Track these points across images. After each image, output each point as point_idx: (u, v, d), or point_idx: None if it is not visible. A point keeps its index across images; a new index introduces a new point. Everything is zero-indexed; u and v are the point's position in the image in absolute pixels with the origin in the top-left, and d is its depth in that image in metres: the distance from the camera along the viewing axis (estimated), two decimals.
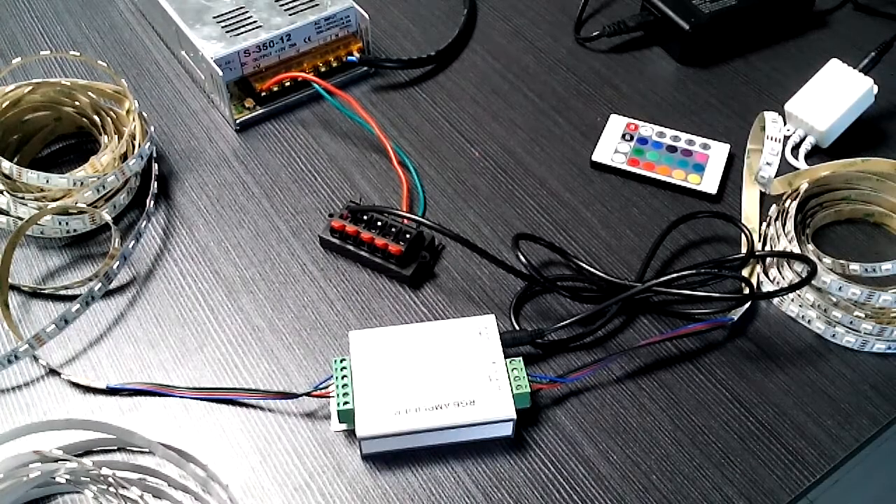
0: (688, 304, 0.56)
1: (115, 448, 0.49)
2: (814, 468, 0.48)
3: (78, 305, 0.53)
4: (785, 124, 0.66)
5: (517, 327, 0.55)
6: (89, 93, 0.63)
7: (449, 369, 0.49)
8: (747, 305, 0.55)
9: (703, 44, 0.72)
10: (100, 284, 0.54)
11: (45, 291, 0.57)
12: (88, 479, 0.46)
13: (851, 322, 0.53)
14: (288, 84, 0.67)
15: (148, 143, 0.61)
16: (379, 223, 0.57)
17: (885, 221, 0.60)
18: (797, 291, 0.54)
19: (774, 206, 0.60)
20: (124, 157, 0.61)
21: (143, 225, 0.58)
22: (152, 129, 0.63)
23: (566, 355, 0.53)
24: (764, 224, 0.60)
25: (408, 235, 0.57)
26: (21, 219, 0.57)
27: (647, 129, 0.66)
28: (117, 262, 0.55)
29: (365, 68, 0.71)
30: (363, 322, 0.55)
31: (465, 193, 0.63)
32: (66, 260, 0.59)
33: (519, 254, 0.55)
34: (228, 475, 0.48)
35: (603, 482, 0.48)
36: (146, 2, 0.74)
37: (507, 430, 0.49)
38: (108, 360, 0.53)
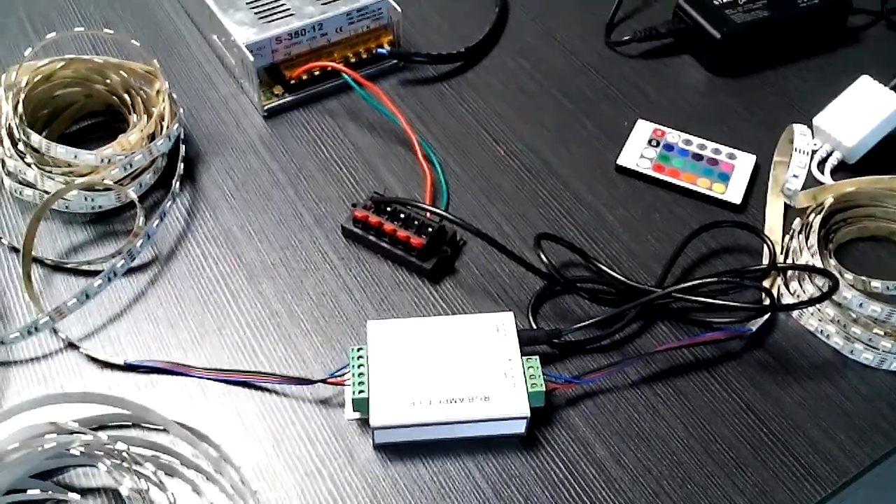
0: (706, 313, 0.56)
1: (130, 424, 0.50)
2: (825, 483, 0.48)
3: (100, 281, 0.53)
4: (812, 138, 0.65)
5: (535, 326, 0.55)
6: (121, 71, 0.63)
7: (465, 364, 0.49)
8: (766, 317, 0.55)
9: (733, 53, 0.71)
10: (122, 261, 0.54)
11: (68, 266, 0.57)
12: (102, 453, 0.46)
13: (870, 339, 0.53)
14: (317, 73, 0.68)
15: (176, 125, 0.61)
16: (402, 215, 0.57)
17: None
18: (817, 305, 0.54)
19: (798, 219, 0.59)
20: (152, 137, 0.61)
21: (167, 205, 0.59)
22: (181, 110, 0.63)
23: (582, 357, 0.53)
24: (787, 237, 0.59)
25: (430, 229, 0.57)
26: (47, 193, 0.57)
27: (674, 136, 0.66)
28: (141, 241, 0.56)
29: (394, 61, 0.71)
30: (381, 313, 0.55)
31: (488, 191, 0.63)
32: (90, 236, 0.59)
33: (540, 253, 0.55)
34: (241, 457, 0.48)
35: (613, 485, 0.48)
36: None
37: (520, 427, 0.49)
38: (126, 337, 0.54)
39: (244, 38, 0.65)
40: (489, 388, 0.48)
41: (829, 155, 0.65)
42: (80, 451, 0.46)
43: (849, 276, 0.55)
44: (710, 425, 0.51)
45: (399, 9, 0.69)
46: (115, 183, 0.58)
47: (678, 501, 0.47)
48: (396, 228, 0.57)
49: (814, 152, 0.65)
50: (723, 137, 0.66)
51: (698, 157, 0.64)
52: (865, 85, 0.65)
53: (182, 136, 0.63)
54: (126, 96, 0.63)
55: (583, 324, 0.53)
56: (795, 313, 0.56)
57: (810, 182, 0.64)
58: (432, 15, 0.77)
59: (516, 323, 0.52)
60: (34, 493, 0.45)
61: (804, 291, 0.56)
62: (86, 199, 0.58)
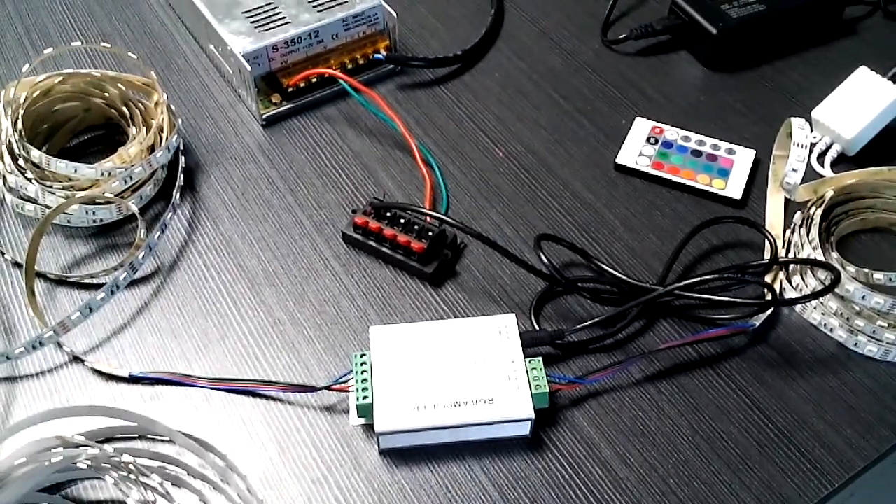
0: (709, 309, 0.55)
1: (136, 436, 0.50)
2: (832, 477, 0.48)
3: (103, 294, 0.53)
4: (811, 131, 0.65)
5: (537, 327, 0.55)
6: (119, 84, 0.64)
7: (468, 367, 0.49)
8: (769, 312, 0.55)
9: (730, 49, 0.71)
10: (125, 274, 0.55)
11: (71, 279, 0.57)
12: (109, 466, 0.46)
13: (874, 331, 0.53)
14: (314, 80, 0.68)
15: (175, 136, 0.62)
16: (402, 220, 0.57)
17: None
18: (820, 299, 0.54)
19: (799, 212, 0.59)
20: (152, 149, 0.61)
21: (168, 216, 0.59)
22: (180, 121, 0.63)
23: (586, 357, 0.53)
24: (788, 231, 0.59)
25: (430, 233, 0.57)
26: (49, 207, 0.58)
27: (673, 133, 0.66)
28: (142, 253, 0.56)
29: (391, 66, 0.71)
30: (384, 318, 0.55)
31: (488, 193, 0.63)
32: (92, 249, 0.59)
33: (541, 254, 0.55)
34: (247, 466, 0.49)
35: (620, 485, 0.48)
36: None
37: (524, 429, 0.49)
38: (131, 349, 0.54)
39: (241, 48, 0.65)
40: (493, 390, 0.48)
41: (829, 147, 0.65)
42: (87, 465, 0.46)
43: (851, 268, 0.55)
44: (715, 422, 0.50)
45: (395, 14, 0.69)
46: (116, 196, 0.59)
47: (685, 499, 0.47)
48: (397, 233, 0.57)
49: (813, 145, 0.65)
50: (721, 133, 0.66)
51: (697, 154, 0.64)
52: (863, 76, 0.64)
53: (181, 147, 0.63)
54: (125, 109, 0.64)
55: (585, 324, 0.53)
56: (798, 307, 0.56)
57: (810, 175, 0.63)
58: (428, 19, 0.77)
59: (518, 325, 0.52)
60: None
61: (806, 285, 0.56)
62: (87, 212, 0.58)
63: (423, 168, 0.63)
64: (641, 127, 0.66)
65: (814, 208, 0.58)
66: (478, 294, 0.57)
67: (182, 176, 0.62)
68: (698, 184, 0.62)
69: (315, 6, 0.68)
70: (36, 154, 0.58)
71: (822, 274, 0.55)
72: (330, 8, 0.68)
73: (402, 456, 0.49)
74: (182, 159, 0.62)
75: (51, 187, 0.58)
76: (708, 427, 0.50)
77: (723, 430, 0.50)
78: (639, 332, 0.55)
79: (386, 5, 0.69)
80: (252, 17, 0.67)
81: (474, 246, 0.59)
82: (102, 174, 0.58)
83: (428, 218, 0.58)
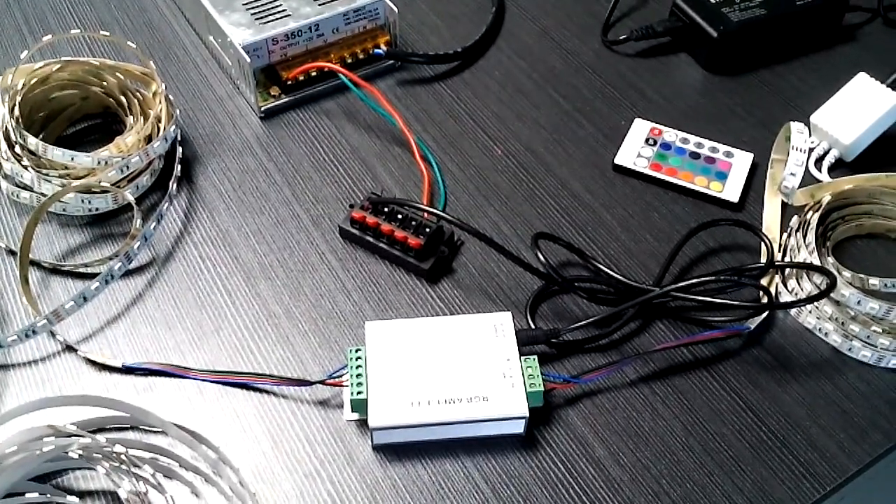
0: (704, 311, 0.55)
1: (129, 426, 0.49)
2: (824, 481, 0.48)
3: (97, 283, 0.53)
4: (810, 136, 0.65)
5: (533, 326, 0.55)
6: (117, 73, 0.63)
7: (463, 364, 0.49)
8: (765, 315, 0.55)
9: (730, 52, 0.71)
10: (120, 264, 0.54)
11: (66, 268, 0.57)
12: (101, 456, 0.46)
13: (868, 336, 0.53)
14: (314, 74, 0.68)
15: (173, 127, 0.61)
16: (399, 216, 0.57)
17: None
18: (815, 303, 0.54)
19: (796, 217, 0.59)
20: (149, 139, 0.61)
21: (164, 207, 0.58)
22: (178, 112, 0.63)
23: (581, 356, 0.53)
24: (784, 235, 0.59)
25: (427, 229, 0.57)
26: (44, 195, 0.57)
27: (671, 135, 0.66)
28: (138, 243, 0.56)
29: (391, 62, 0.71)
30: (379, 313, 0.55)
31: (486, 191, 0.63)
32: (87, 238, 0.59)
33: (538, 253, 0.55)
34: (240, 459, 0.48)
35: (612, 484, 0.48)
36: None
37: (518, 427, 0.49)
38: (124, 340, 0.54)
39: (240, 40, 0.65)
40: (488, 388, 0.48)
41: (827, 152, 0.65)
42: (79, 454, 0.45)
43: (847, 273, 0.55)
44: (708, 424, 0.51)
45: (396, 9, 0.69)
46: (112, 185, 0.58)
47: (677, 500, 0.47)
48: (394, 229, 0.57)
49: (811, 150, 0.65)
50: (720, 136, 0.66)
51: (695, 156, 0.64)
52: (862, 82, 0.65)
53: (179, 138, 0.63)
54: (122, 98, 0.63)
55: (581, 323, 0.53)
56: (793, 311, 0.56)
57: (808, 180, 0.64)
58: (429, 15, 0.77)
59: (514, 323, 0.52)
60: (33, 496, 0.45)
61: (802, 289, 0.56)
62: (83, 201, 0.58)
63: (421, 164, 0.63)
64: (640, 128, 0.66)
65: (810, 213, 0.58)
66: (474, 291, 0.57)
67: (179, 167, 0.62)
68: (696, 186, 0.62)
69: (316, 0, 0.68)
70: (32, 142, 0.57)
71: (817, 278, 0.55)
72: (331, 2, 0.68)
73: (396, 452, 0.49)
74: (179, 150, 0.62)
75: (47, 175, 0.58)
76: (701, 428, 0.50)
77: (716, 431, 0.50)
78: (634, 332, 0.55)
79: (387, 0, 0.69)
80: (252, 8, 0.67)
81: (471, 243, 0.59)
82: (99, 163, 0.58)
83: (425, 214, 0.58)
